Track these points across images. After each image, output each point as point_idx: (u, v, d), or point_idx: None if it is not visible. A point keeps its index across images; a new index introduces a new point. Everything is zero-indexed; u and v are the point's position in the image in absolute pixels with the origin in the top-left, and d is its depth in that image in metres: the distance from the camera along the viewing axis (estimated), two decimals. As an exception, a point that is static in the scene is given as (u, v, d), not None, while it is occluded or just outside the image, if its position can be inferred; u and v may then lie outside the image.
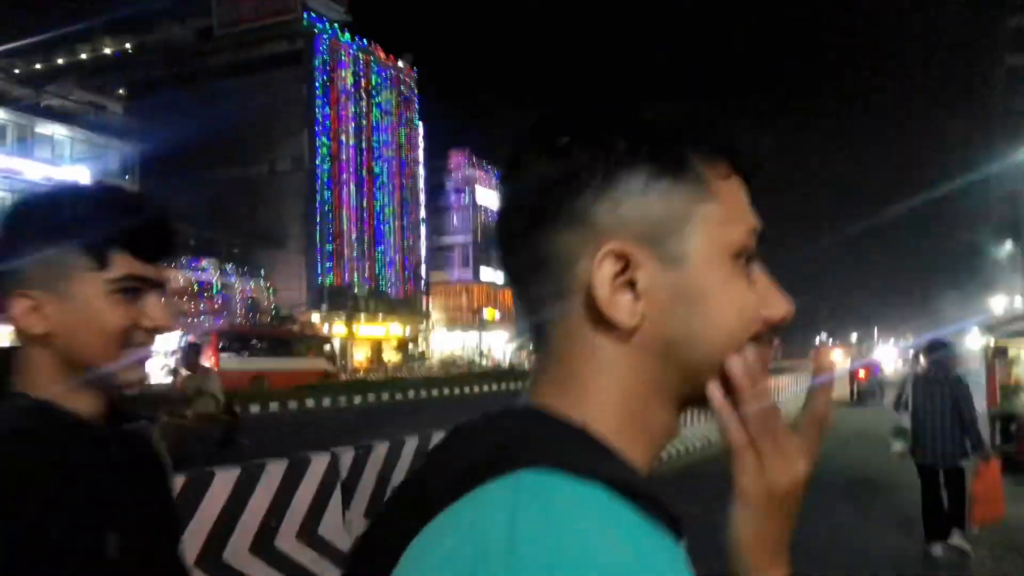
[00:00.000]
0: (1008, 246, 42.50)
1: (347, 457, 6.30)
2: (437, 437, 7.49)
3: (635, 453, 0.59)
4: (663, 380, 0.61)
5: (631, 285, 0.59)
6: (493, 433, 0.58)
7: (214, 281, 43.43)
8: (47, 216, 1.03)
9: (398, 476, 6.85)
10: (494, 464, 0.53)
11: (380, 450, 6.69)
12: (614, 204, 0.59)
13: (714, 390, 0.61)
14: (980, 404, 11.27)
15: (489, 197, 70.37)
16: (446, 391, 31.46)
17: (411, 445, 7.10)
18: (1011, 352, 11.52)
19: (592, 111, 0.63)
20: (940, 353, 6.74)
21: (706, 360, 0.60)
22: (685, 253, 0.60)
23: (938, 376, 6.61)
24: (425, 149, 65.32)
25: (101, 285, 1.02)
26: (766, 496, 0.62)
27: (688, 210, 0.60)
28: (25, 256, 1.01)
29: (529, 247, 0.62)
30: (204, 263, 43.19)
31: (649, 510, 0.53)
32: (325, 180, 53.96)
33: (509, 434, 0.57)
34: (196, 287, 42.21)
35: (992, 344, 11.69)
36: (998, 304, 37.13)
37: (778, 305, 0.63)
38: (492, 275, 70.00)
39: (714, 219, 0.61)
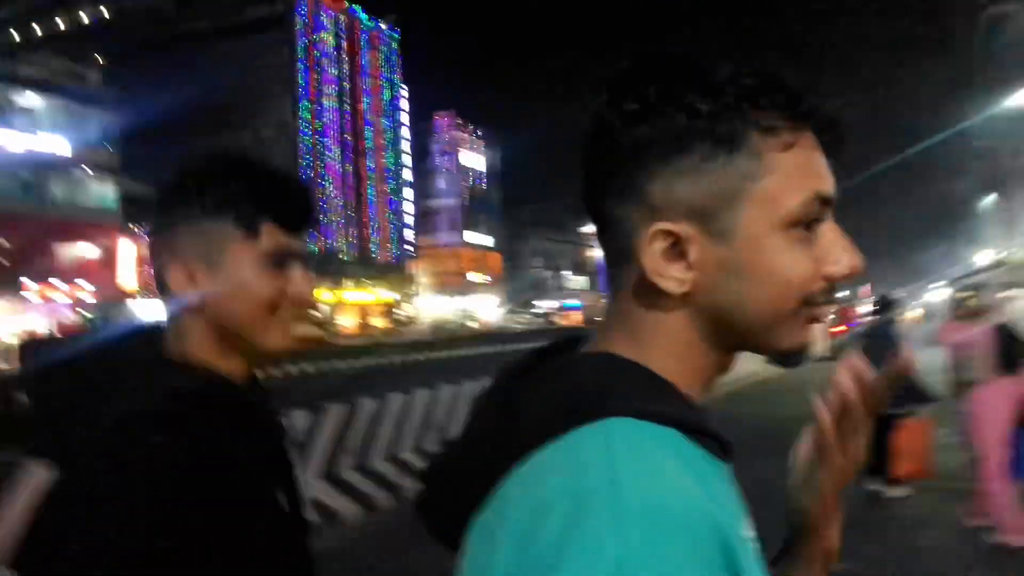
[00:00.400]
0: (990, 200, 42.68)
1: (300, 420, 6.45)
2: (396, 399, 7.67)
3: (691, 389, 0.66)
4: (716, 335, 0.66)
5: (682, 255, 0.63)
6: (574, 378, 0.63)
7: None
8: (202, 188, 1.05)
9: (354, 438, 7.03)
10: (584, 410, 0.59)
11: (335, 412, 6.86)
12: (669, 183, 0.63)
13: (822, 411, 0.73)
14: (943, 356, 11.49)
15: (475, 159, 70.08)
16: (431, 355, 31.62)
17: (369, 407, 7.27)
18: (970, 304, 11.70)
19: (662, 78, 0.64)
20: (883, 310, 7.06)
21: (757, 322, 0.65)
22: (734, 230, 0.63)
23: (878, 331, 6.91)
24: (410, 111, 64.88)
25: (253, 256, 1.05)
26: (836, 488, 0.77)
27: (740, 188, 0.62)
28: (182, 226, 1.05)
29: (599, 208, 0.67)
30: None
31: (707, 442, 0.62)
32: (308, 145, 53.70)
33: (590, 380, 0.62)
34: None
35: (953, 297, 11.89)
36: (984, 258, 37.36)
37: (842, 262, 0.65)
38: (480, 238, 70.01)
39: (767, 195, 0.62)
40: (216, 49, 53.67)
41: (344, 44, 57.70)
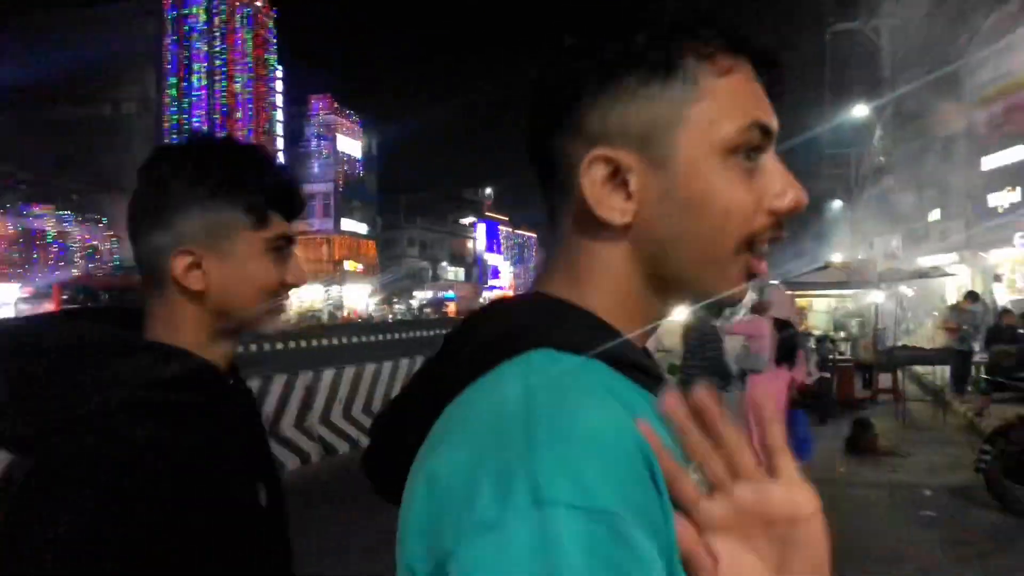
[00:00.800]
0: (837, 204, 45.75)
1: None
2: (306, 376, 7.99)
3: (629, 330, 0.64)
4: (658, 273, 0.64)
5: (623, 186, 0.62)
6: (508, 316, 0.64)
7: (49, 229, 40.72)
8: (209, 174, 1.01)
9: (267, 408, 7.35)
10: (510, 345, 0.59)
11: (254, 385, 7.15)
12: (605, 111, 0.62)
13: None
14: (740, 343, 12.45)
15: (351, 145, 68.97)
16: (291, 345, 31.10)
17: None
18: (801, 303, 12.77)
19: (595, 19, 0.65)
20: None
21: (697, 259, 0.63)
22: (672, 156, 0.61)
23: (695, 324, 7.64)
24: (285, 93, 63.09)
25: (260, 244, 1.03)
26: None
27: (674, 113, 0.61)
28: (190, 211, 1.00)
29: (541, 153, 0.66)
30: (37, 209, 40.32)
31: (639, 378, 0.61)
32: (174, 123, 51.42)
33: (521, 317, 0.63)
34: (28, 235, 39.37)
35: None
36: (837, 260, 39.72)
37: (786, 194, 0.63)
38: (354, 226, 69.01)
39: (703, 118, 0.61)
40: (76, 15, 50.46)
41: (216, 19, 55.41)
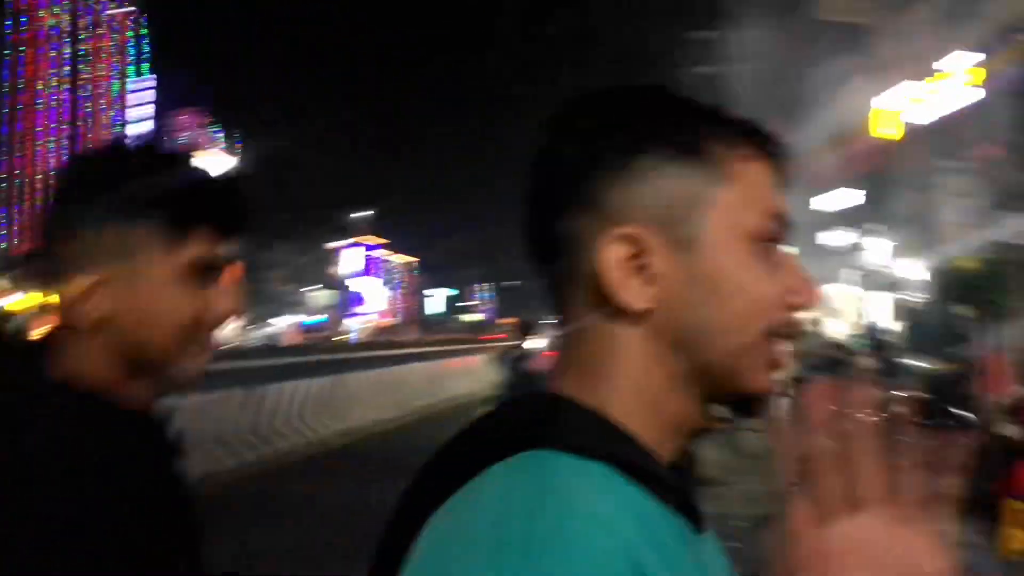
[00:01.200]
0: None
1: None
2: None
3: (652, 438, 0.59)
4: (680, 368, 0.60)
5: (643, 269, 0.59)
6: (511, 418, 0.60)
7: None
8: (116, 182, 0.88)
9: None
10: (505, 446, 0.55)
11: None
12: (628, 189, 0.59)
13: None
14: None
15: (218, 163, 66.54)
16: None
17: None
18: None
19: (614, 97, 0.63)
20: (524, 332, 7.63)
21: (723, 348, 0.59)
22: (698, 237, 0.59)
23: (513, 352, 7.45)
24: (156, 103, 60.29)
25: (175, 267, 0.89)
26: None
27: (701, 194, 0.59)
28: (87, 229, 0.87)
29: (549, 232, 0.62)
30: None
31: (657, 492, 0.56)
32: (16, 128, 47.97)
33: (524, 419, 0.58)
34: None
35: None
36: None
37: (804, 291, 0.61)
38: (218, 246, 66.40)
39: (729, 203, 0.60)
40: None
41: (77, 23, 52.32)
